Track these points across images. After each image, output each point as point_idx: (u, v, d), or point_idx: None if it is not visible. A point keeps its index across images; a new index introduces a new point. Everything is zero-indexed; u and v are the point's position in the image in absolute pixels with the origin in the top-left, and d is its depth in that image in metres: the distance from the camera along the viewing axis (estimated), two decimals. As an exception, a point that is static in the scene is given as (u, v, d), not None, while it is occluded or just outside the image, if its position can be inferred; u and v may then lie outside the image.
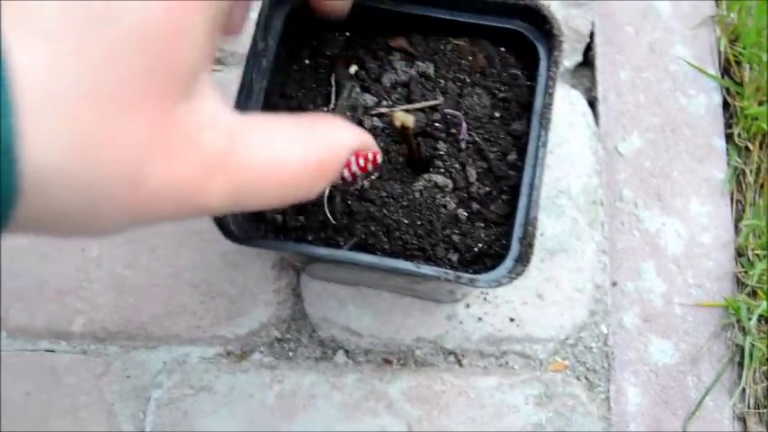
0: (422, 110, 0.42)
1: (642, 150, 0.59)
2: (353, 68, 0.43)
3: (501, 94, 0.42)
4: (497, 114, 0.42)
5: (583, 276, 0.57)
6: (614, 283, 0.57)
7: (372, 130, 0.41)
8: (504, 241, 0.39)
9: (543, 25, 0.40)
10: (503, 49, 0.43)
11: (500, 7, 0.40)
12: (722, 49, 0.61)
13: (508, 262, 0.36)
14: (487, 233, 0.40)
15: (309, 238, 0.40)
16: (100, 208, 0.21)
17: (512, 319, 0.56)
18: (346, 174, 0.31)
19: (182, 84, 0.22)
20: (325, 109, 0.42)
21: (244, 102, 0.38)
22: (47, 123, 0.19)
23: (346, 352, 0.56)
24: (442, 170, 0.41)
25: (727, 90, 0.60)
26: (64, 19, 0.19)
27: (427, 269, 0.37)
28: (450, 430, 0.53)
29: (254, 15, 0.36)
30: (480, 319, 0.56)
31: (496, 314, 0.56)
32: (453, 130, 0.41)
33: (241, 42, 0.38)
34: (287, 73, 0.43)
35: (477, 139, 0.41)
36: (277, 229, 0.41)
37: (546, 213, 0.58)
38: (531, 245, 0.36)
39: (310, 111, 0.42)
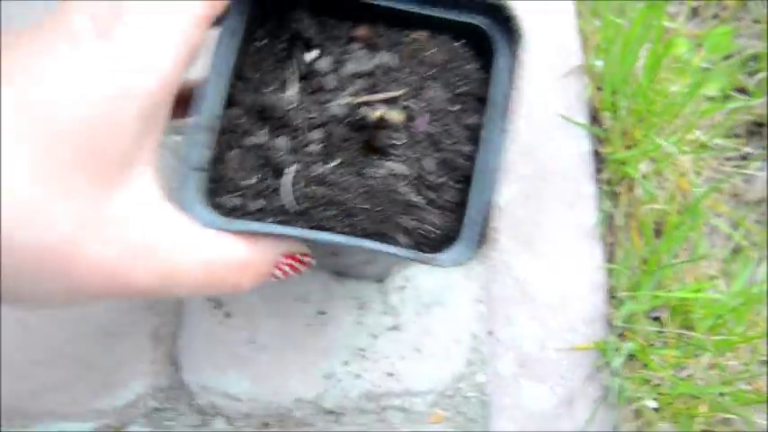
0: (384, 101, 0.42)
1: (514, 199, 0.60)
2: (313, 54, 0.43)
3: (459, 89, 0.43)
4: (455, 108, 0.43)
5: (459, 327, 0.58)
6: (490, 332, 0.58)
7: (333, 118, 0.42)
8: (456, 227, 0.40)
9: (505, 22, 0.41)
10: (463, 43, 0.44)
11: (463, 3, 0.41)
12: (590, 97, 0.62)
13: (459, 245, 0.38)
14: (442, 218, 0.41)
15: (269, 221, 0.39)
16: (39, 277, 0.24)
17: (390, 374, 0.57)
18: (278, 273, 0.33)
19: (113, 172, 0.25)
20: (284, 95, 0.42)
21: (215, 78, 0.38)
22: None
23: (226, 418, 0.56)
24: (400, 160, 0.42)
25: (597, 137, 0.62)
26: (14, 111, 0.22)
27: (391, 248, 0.37)
28: (328, 491, 0.54)
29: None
30: (359, 375, 0.56)
31: (375, 370, 0.57)
32: (411, 123, 0.42)
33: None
34: (245, 52, 0.42)
35: (433, 131, 0.42)
36: (235, 213, 0.40)
37: (420, 267, 0.58)
38: (489, 228, 0.38)
39: (267, 96, 0.42)
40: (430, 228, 0.41)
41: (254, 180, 0.39)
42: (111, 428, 0.55)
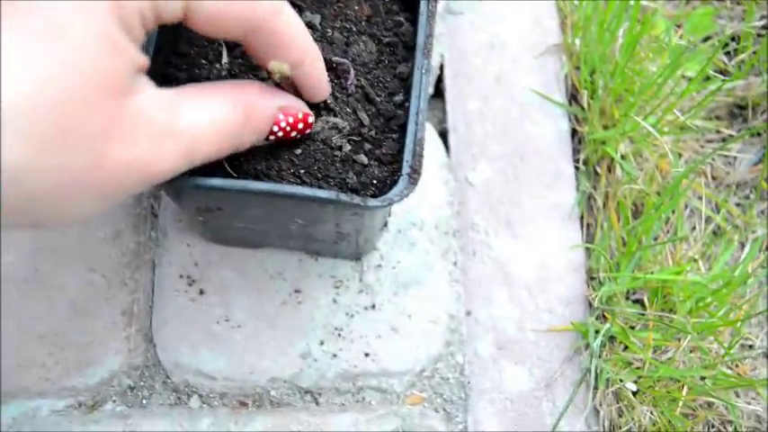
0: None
1: (492, 179, 0.60)
2: None
3: (386, 39, 0.44)
4: (384, 59, 0.44)
5: (437, 307, 0.58)
6: (468, 313, 0.58)
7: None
8: (396, 177, 0.40)
9: None
10: None
11: None
12: (567, 75, 0.62)
13: (400, 185, 0.39)
14: (381, 171, 0.41)
15: None
16: (71, 191, 0.27)
17: (367, 354, 0.56)
18: (276, 129, 0.36)
19: (123, 85, 0.28)
20: (217, 66, 0.43)
21: None
22: (16, 129, 0.24)
23: (200, 396, 0.55)
24: (335, 115, 0.42)
25: (575, 116, 0.62)
26: (17, 38, 0.25)
27: (323, 193, 0.38)
28: (302, 471, 0.53)
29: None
30: (335, 355, 0.56)
31: (351, 350, 0.56)
32: (342, 78, 0.43)
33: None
34: (177, 30, 0.43)
35: (364, 84, 0.43)
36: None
37: (398, 246, 0.58)
38: (419, 163, 0.39)
39: (204, 68, 0.43)
40: (369, 180, 0.41)
41: None
42: (86, 406, 0.55)
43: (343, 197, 0.38)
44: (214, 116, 0.32)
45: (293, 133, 0.38)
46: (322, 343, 0.56)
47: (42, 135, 0.25)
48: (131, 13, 0.29)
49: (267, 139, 0.37)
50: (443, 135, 0.61)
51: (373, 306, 0.57)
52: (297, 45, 0.35)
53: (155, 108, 0.29)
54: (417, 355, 0.57)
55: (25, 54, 0.25)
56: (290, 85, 0.39)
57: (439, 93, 0.62)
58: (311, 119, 0.39)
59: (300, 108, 0.38)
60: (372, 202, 0.38)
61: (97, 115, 0.26)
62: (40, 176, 0.26)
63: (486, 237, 0.59)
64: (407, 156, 0.39)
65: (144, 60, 0.30)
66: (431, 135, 0.61)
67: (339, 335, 0.56)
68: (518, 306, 0.58)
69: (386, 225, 0.58)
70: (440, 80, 0.62)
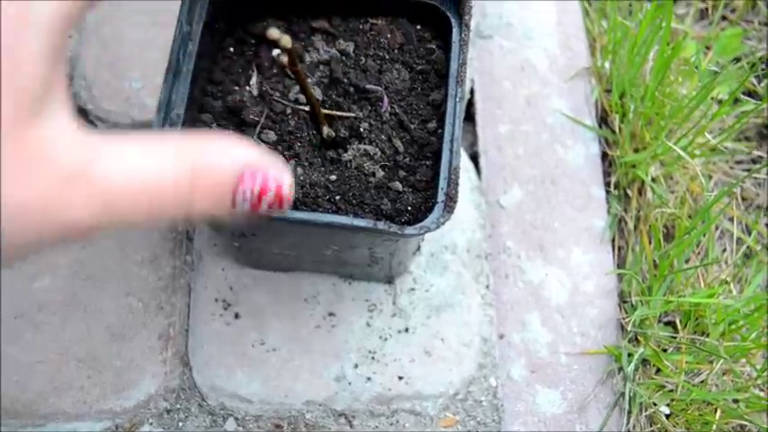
0: (344, 88, 0.44)
1: (523, 202, 0.60)
2: (276, 51, 0.44)
3: (419, 67, 0.45)
4: (417, 87, 0.45)
5: (470, 330, 0.58)
6: (501, 336, 0.58)
7: (293, 113, 0.43)
8: (430, 203, 0.41)
9: None
10: (419, 26, 0.46)
11: None
12: (597, 99, 0.62)
13: (435, 213, 0.39)
14: (415, 198, 0.42)
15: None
16: None
17: (400, 378, 0.57)
18: (240, 199, 0.27)
19: (26, 108, 0.23)
20: (247, 88, 0.44)
21: (172, 80, 0.39)
22: None
23: (236, 419, 0.56)
24: (369, 142, 0.43)
25: (605, 140, 0.62)
26: None
27: (360, 221, 0.38)
28: (338, 494, 0.53)
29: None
30: (369, 378, 0.56)
31: (385, 373, 0.56)
32: (375, 106, 0.44)
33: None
34: (214, 61, 0.45)
35: (398, 111, 0.44)
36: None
37: (431, 269, 0.58)
38: (455, 191, 0.38)
39: (236, 92, 0.44)
40: (404, 207, 0.41)
41: None
42: (123, 429, 0.55)
43: (381, 225, 0.38)
44: (142, 167, 0.25)
45: (263, 207, 0.28)
46: (356, 366, 0.56)
47: None
48: (42, 13, 0.23)
49: (232, 211, 0.28)
50: (474, 158, 0.62)
51: (407, 329, 0.57)
52: None
53: (63, 143, 0.24)
54: (451, 378, 0.57)
55: None
56: None
57: (469, 116, 0.63)
58: (286, 189, 0.28)
59: (274, 172, 0.28)
60: (409, 230, 0.38)
61: None
62: None
63: (518, 260, 0.59)
64: (442, 183, 0.39)
65: (58, 78, 0.25)
66: (462, 159, 0.61)
67: (373, 358, 0.57)
68: (551, 329, 0.58)
69: (419, 249, 0.58)
70: (470, 104, 0.63)
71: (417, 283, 0.58)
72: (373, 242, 0.45)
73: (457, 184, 0.39)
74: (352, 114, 0.44)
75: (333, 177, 0.42)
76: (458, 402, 0.57)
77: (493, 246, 0.60)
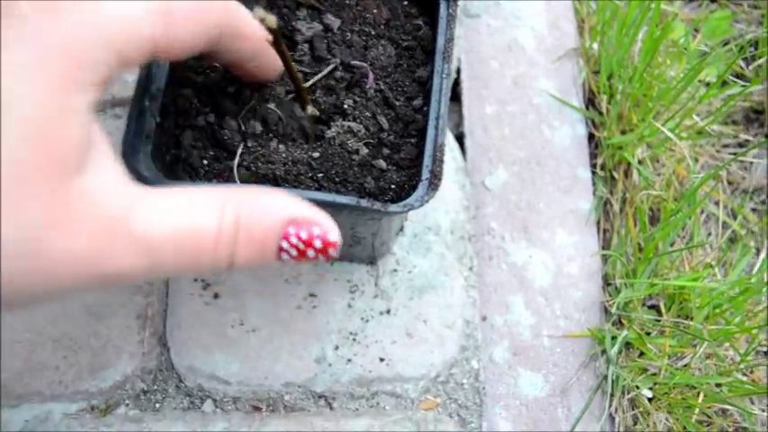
0: (328, 64, 0.43)
1: (508, 184, 0.59)
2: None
3: (405, 44, 0.44)
4: (402, 63, 0.44)
5: (452, 312, 0.57)
6: (484, 318, 0.58)
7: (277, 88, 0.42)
8: (414, 181, 0.40)
9: None
10: (405, 1, 0.45)
11: None
12: (585, 80, 0.61)
13: (420, 190, 0.38)
14: (399, 176, 0.41)
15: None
16: (17, 278, 0.23)
17: (381, 359, 0.56)
18: (286, 246, 0.28)
19: (70, 162, 0.23)
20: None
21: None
22: None
23: (214, 401, 0.55)
24: (354, 119, 0.42)
25: (592, 121, 0.61)
26: None
27: (343, 198, 0.37)
28: (317, 476, 0.53)
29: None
30: (350, 360, 0.56)
31: (366, 355, 0.56)
32: (360, 82, 0.43)
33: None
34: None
35: (383, 87, 0.43)
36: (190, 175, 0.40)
37: (414, 251, 0.58)
38: (440, 168, 0.38)
39: (217, 68, 0.41)
40: (388, 185, 0.41)
41: (207, 161, 0.40)
42: (98, 410, 0.54)
43: (364, 203, 0.37)
44: (184, 223, 0.26)
45: (310, 253, 0.29)
46: (337, 348, 0.56)
47: None
48: (88, 68, 0.24)
49: (279, 259, 0.29)
50: (460, 139, 0.61)
51: (388, 311, 0.57)
52: (258, 36, 0.32)
53: (105, 194, 0.24)
54: (432, 360, 0.56)
55: None
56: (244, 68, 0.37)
57: (455, 96, 0.62)
58: (333, 236, 0.29)
59: (320, 223, 0.29)
60: (393, 207, 0.38)
61: (38, 199, 0.23)
62: None
63: (502, 242, 0.59)
64: (427, 161, 0.38)
65: (97, 130, 0.25)
66: (447, 139, 0.60)
67: (354, 340, 0.56)
68: (534, 312, 0.58)
69: (402, 229, 0.57)
70: (456, 83, 0.62)
71: (400, 265, 0.57)
72: (356, 221, 0.44)
73: (442, 161, 0.38)
74: (333, 65, 0.42)
75: (316, 155, 0.41)
76: (439, 385, 0.56)
77: (477, 227, 0.59)
